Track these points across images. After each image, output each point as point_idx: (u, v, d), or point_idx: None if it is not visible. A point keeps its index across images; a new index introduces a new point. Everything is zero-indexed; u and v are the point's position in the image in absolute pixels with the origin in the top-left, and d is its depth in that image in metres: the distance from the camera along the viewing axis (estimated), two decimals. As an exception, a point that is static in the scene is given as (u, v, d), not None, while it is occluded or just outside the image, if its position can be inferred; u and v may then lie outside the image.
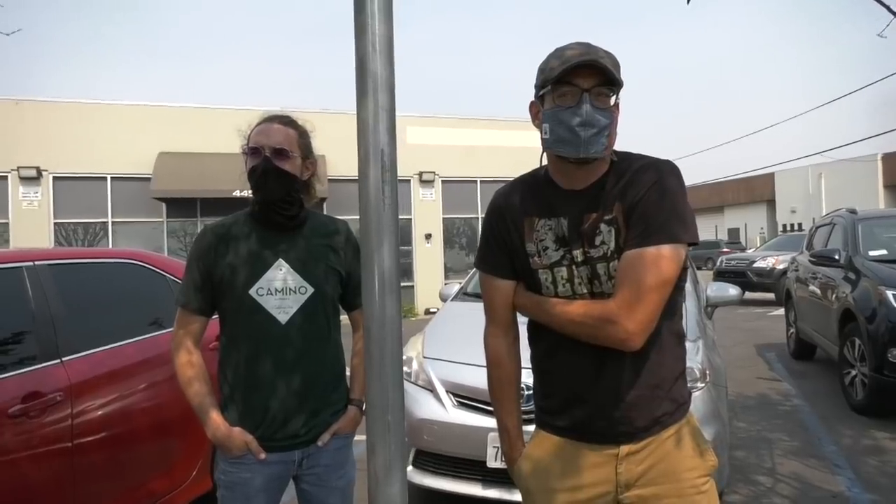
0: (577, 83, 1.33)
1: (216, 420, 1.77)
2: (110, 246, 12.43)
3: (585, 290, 1.42)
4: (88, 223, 12.92)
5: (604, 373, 1.41)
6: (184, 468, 3.10)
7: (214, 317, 1.89)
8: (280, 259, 1.81)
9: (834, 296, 6.07)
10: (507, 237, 1.51)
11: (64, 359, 2.69)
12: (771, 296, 13.86)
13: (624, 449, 1.43)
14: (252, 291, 1.78)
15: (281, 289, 1.80)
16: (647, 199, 1.36)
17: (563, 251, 1.43)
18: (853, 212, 6.76)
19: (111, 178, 12.85)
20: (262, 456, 1.77)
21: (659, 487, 1.42)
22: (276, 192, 1.79)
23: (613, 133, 1.38)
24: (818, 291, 6.69)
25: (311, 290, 1.83)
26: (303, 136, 1.88)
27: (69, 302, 2.85)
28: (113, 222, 12.96)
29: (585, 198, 1.43)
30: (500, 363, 1.59)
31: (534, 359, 1.58)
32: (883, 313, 5.02)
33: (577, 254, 1.42)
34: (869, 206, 22.18)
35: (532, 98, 1.48)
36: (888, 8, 3.51)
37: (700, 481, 1.44)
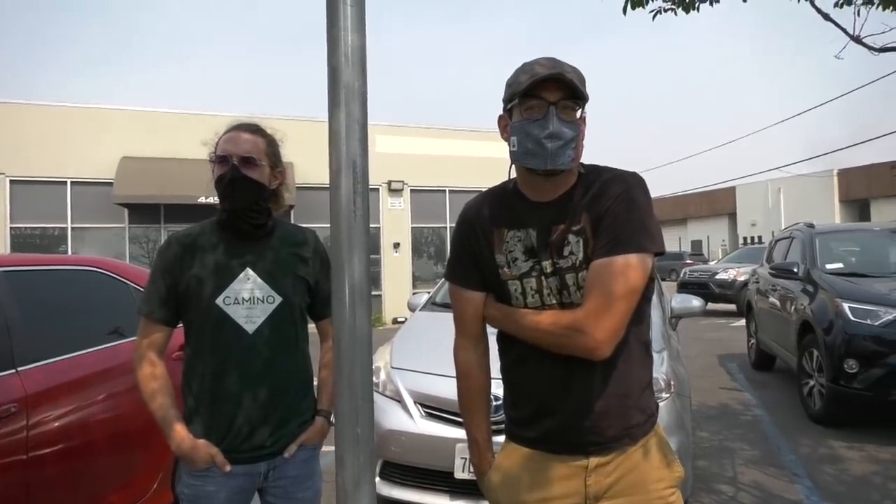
0: (544, 96, 1.36)
1: (180, 432, 1.73)
2: (70, 252, 12.11)
3: (555, 301, 1.43)
4: (47, 228, 12.57)
5: (573, 383, 1.42)
6: (144, 481, 3.03)
7: (178, 326, 1.86)
8: (247, 269, 1.79)
9: (793, 308, 6.23)
10: (477, 248, 1.52)
11: (19, 369, 2.61)
12: (732, 307, 14.17)
13: (593, 461, 1.43)
14: (219, 301, 1.75)
15: (248, 298, 1.77)
16: (615, 209, 1.38)
17: (532, 262, 1.44)
18: (811, 226, 6.96)
19: (71, 182, 12.51)
20: (228, 468, 1.74)
21: (627, 499, 1.43)
22: (244, 201, 1.77)
23: (580, 146, 1.41)
24: (777, 303, 6.86)
25: (278, 299, 1.80)
26: (271, 144, 1.86)
27: (26, 310, 2.77)
28: (73, 228, 12.62)
29: (553, 209, 1.44)
30: (469, 375, 1.59)
31: (503, 370, 1.58)
32: (839, 325, 5.16)
33: (546, 265, 1.43)
34: (826, 220, 22.88)
35: (500, 112, 1.49)
36: (845, 31, 3.65)
37: (667, 492, 1.46)
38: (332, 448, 1.05)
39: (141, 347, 1.80)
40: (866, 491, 3.93)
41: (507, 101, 1.44)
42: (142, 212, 12.85)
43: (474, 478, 1.72)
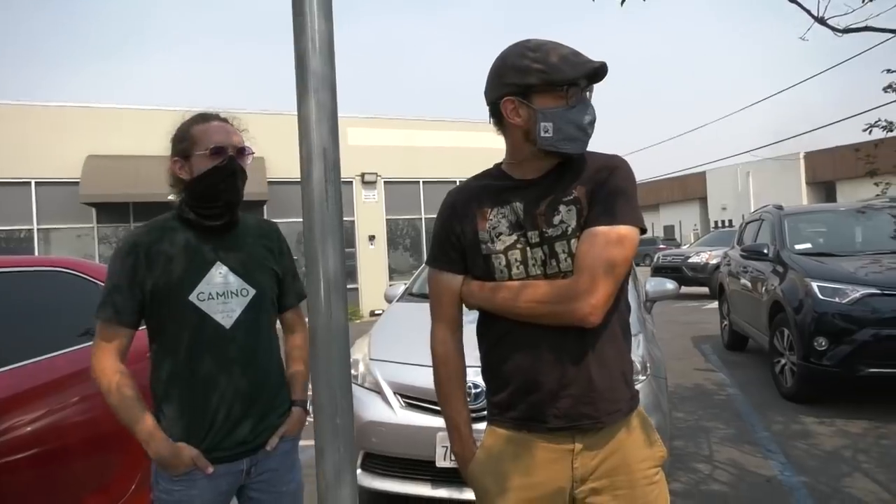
0: (580, 83, 1.41)
1: (158, 437, 1.66)
2: (36, 254, 11.84)
3: (539, 272, 1.44)
4: (12, 230, 12.27)
5: (560, 357, 1.42)
6: (121, 484, 2.98)
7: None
8: (218, 262, 1.75)
9: (763, 288, 6.35)
10: (460, 230, 1.53)
11: (-13, 373, 2.54)
12: (705, 290, 14.39)
13: (579, 444, 1.44)
14: (192, 297, 1.70)
15: (223, 292, 1.73)
16: (613, 183, 1.43)
17: (516, 234, 1.46)
18: (780, 208, 7.09)
19: (35, 182, 12.24)
20: (210, 470, 1.68)
21: (612, 479, 1.44)
22: (240, 193, 1.76)
23: None
24: (749, 284, 6.98)
25: (252, 291, 1.78)
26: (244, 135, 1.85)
27: (-8, 313, 2.70)
28: (39, 229, 12.35)
29: (541, 185, 1.48)
30: (447, 360, 1.59)
31: (485, 353, 1.57)
32: (809, 304, 5.28)
33: (532, 235, 1.45)
34: (793, 202, 23.33)
35: (503, 95, 1.44)
36: (809, 12, 3.70)
37: (651, 472, 1.48)
38: (311, 442, 1.04)
39: (102, 353, 1.71)
40: (837, 464, 4.03)
41: (529, 85, 1.41)
42: (110, 211, 12.62)
43: (456, 465, 1.70)
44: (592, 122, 1.44)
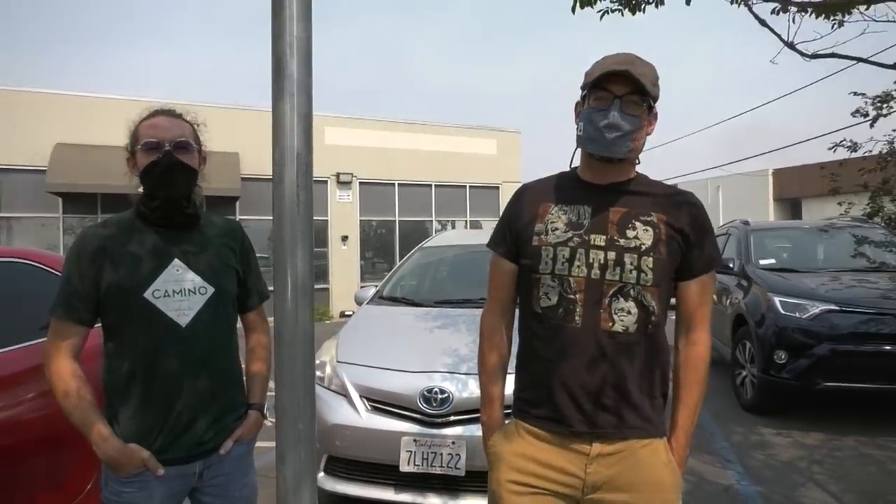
0: (611, 89, 1.46)
1: (109, 439, 1.61)
2: (0, 243, 11.53)
3: (583, 274, 1.49)
4: (-27, 217, 11.94)
5: (597, 364, 1.47)
6: (76, 482, 2.91)
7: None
8: (176, 259, 1.71)
9: (728, 301, 6.47)
10: (521, 221, 1.60)
11: (-59, 365, 2.47)
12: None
13: (596, 448, 1.47)
14: (147, 294, 1.66)
15: (179, 290, 1.70)
16: (704, 226, 1.56)
17: (571, 234, 1.52)
18: (746, 223, 7.24)
19: (0, 169, 11.92)
20: (161, 472, 1.64)
21: (628, 495, 1.47)
22: (182, 189, 1.71)
23: (639, 138, 1.51)
24: (714, 297, 7.09)
25: (211, 289, 1.74)
26: (195, 128, 1.81)
27: (-51, 304, 2.63)
28: (1, 217, 12.03)
29: (610, 193, 1.55)
30: (491, 336, 1.67)
31: (520, 348, 1.64)
32: (771, 318, 5.40)
33: (597, 238, 1.50)
34: (760, 217, 23.77)
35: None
36: (780, 37, 3.80)
37: (673, 498, 1.50)
38: (269, 444, 1.04)
39: (54, 349, 1.66)
40: (792, 475, 4.13)
41: (581, 89, 1.55)
42: (78, 201, 12.32)
43: (419, 471, 1.72)
44: (609, 126, 1.46)
